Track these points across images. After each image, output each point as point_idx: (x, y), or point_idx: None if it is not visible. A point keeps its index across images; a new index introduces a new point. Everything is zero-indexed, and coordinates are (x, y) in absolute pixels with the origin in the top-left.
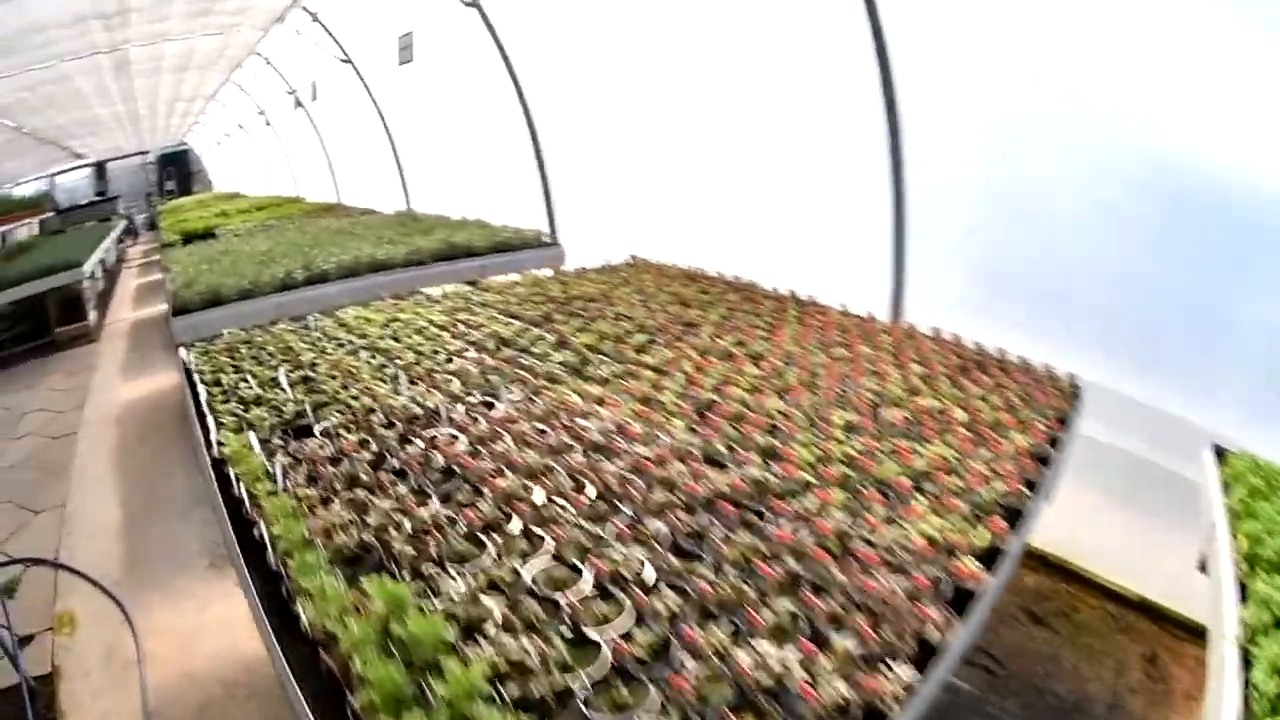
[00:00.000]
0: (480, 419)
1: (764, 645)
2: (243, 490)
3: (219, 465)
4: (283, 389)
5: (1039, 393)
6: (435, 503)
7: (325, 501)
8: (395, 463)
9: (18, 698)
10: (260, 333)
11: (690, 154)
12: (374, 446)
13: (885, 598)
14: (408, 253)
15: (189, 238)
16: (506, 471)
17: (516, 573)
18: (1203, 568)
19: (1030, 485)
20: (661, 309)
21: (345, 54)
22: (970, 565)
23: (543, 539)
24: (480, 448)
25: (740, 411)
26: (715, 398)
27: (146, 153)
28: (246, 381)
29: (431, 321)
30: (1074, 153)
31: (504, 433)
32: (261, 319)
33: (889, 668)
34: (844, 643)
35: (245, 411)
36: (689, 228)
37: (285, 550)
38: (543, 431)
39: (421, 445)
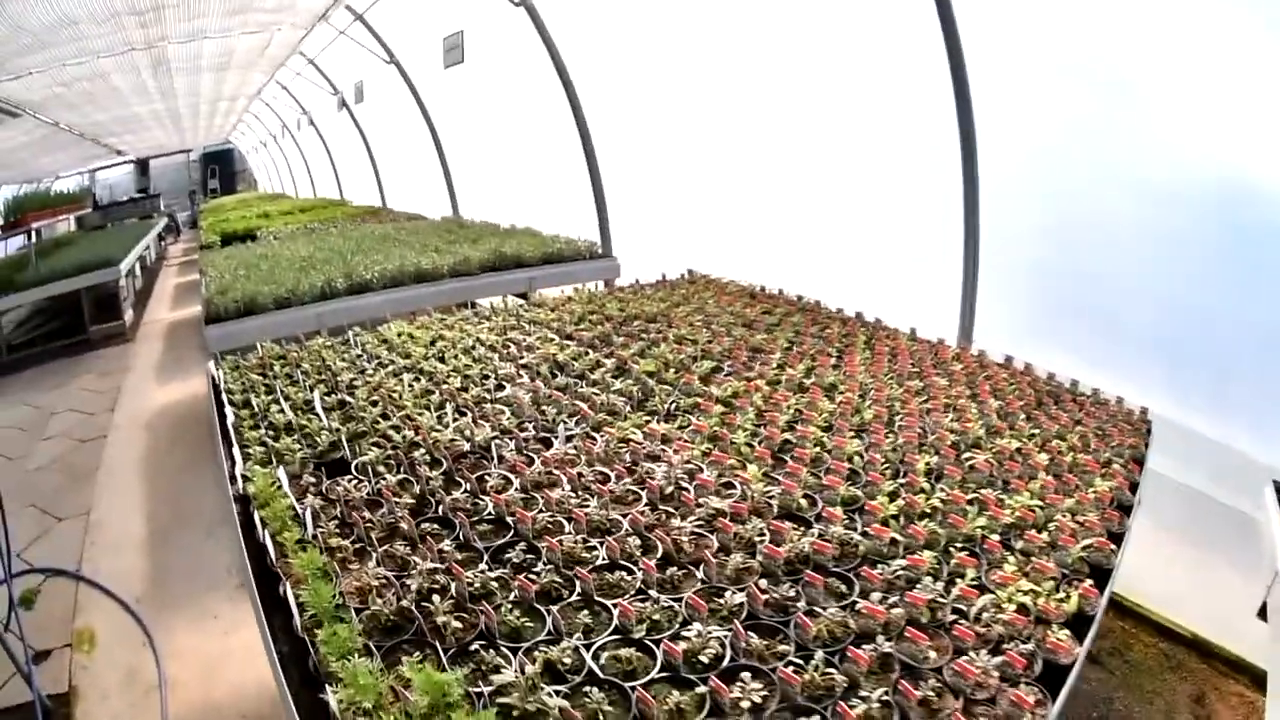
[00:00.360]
0: (535, 458)
1: None
2: (267, 537)
3: (244, 502)
4: (317, 415)
5: (1114, 429)
6: (486, 564)
7: (360, 554)
8: (440, 509)
9: (31, 716)
10: (296, 348)
11: (749, 164)
12: (416, 488)
13: (980, 681)
14: (455, 263)
15: (228, 239)
16: (565, 525)
17: (580, 654)
18: (1262, 614)
19: (1114, 538)
20: (725, 332)
21: (390, 55)
22: (1061, 638)
23: (608, 611)
24: (536, 495)
25: (818, 454)
26: (790, 438)
27: (189, 151)
28: (279, 404)
29: (480, 340)
30: (1139, 171)
31: (561, 476)
32: (300, 329)
33: None
34: None
35: (275, 440)
36: (745, 240)
37: (313, 617)
38: (604, 477)
39: (470, 489)
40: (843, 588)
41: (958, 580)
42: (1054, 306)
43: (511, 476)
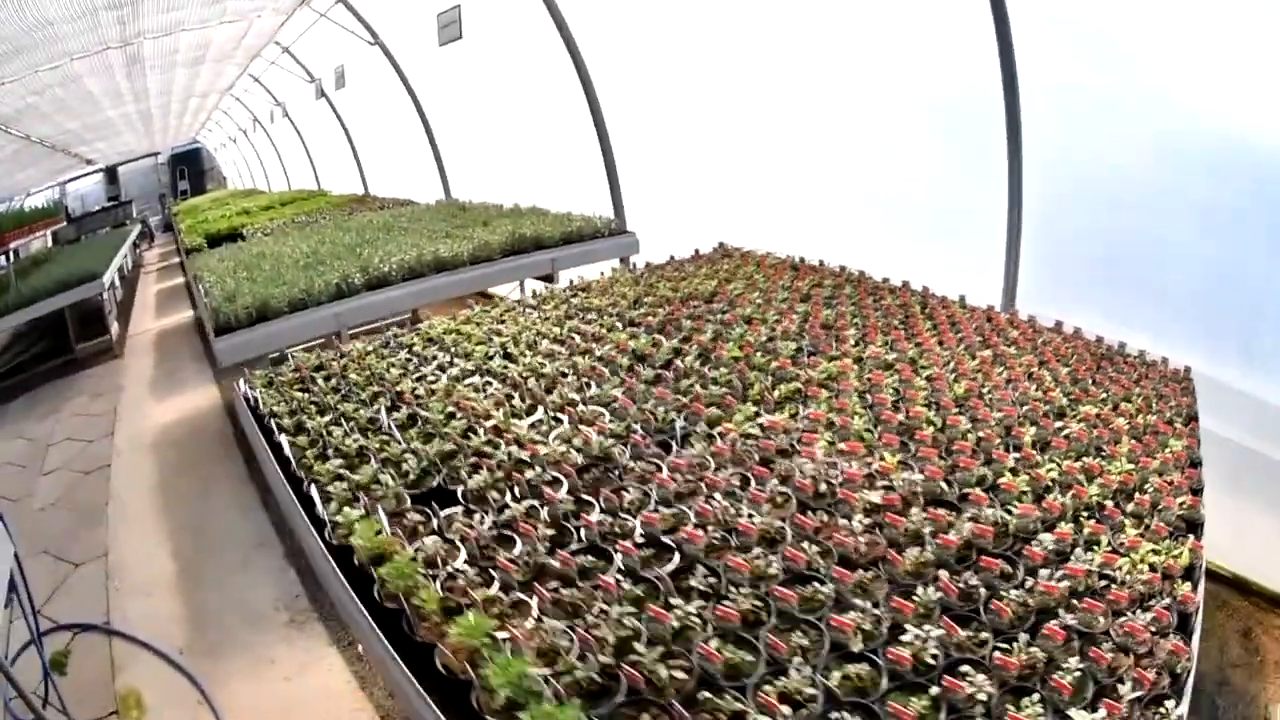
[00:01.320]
0: (661, 465)
1: (1080, 716)
2: (402, 600)
3: (343, 556)
4: (388, 434)
5: (1167, 389)
6: (673, 597)
7: (517, 605)
8: (582, 535)
9: None
10: (331, 354)
11: (758, 129)
12: (544, 514)
13: (1144, 639)
14: (474, 248)
15: (214, 240)
16: (730, 539)
17: (812, 682)
18: None
19: (1194, 492)
20: (789, 308)
21: (374, 36)
22: (1186, 590)
23: (815, 628)
24: (684, 508)
25: (937, 436)
26: (904, 419)
27: (158, 154)
28: (341, 426)
29: (542, 333)
30: (1171, 142)
31: (700, 485)
32: (318, 332)
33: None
34: (1128, 693)
35: (351, 470)
36: (755, 208)
37: (509, 700)
38: (744, 480)
39: (608, 510)
40: (1007, 567)
41: (1094, 547)
42: (1085, 269)
43: (646, 491)
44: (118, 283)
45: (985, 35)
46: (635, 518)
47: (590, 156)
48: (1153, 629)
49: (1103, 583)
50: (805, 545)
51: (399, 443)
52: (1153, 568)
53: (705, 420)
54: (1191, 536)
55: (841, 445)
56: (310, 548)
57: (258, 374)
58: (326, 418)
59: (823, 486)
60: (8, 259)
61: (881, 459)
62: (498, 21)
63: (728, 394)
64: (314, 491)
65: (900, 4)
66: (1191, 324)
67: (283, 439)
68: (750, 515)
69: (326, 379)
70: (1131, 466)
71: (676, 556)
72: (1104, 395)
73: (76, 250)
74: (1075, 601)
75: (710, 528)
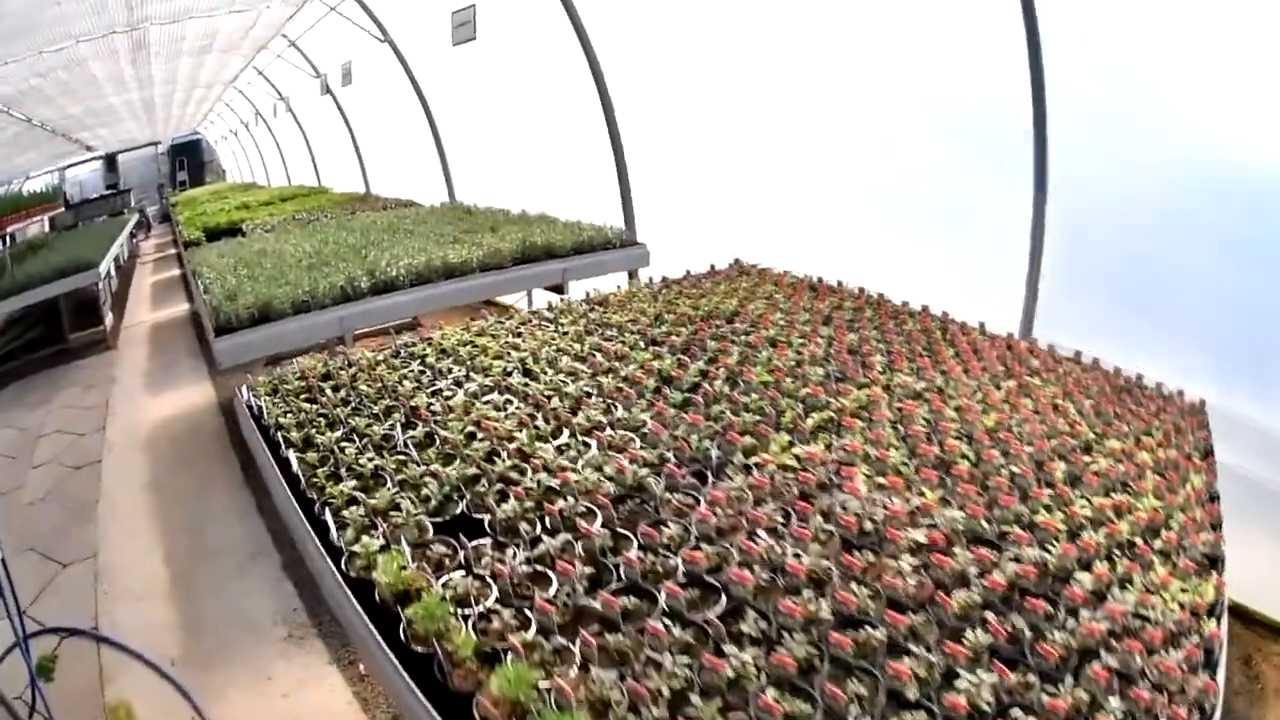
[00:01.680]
0: (698, 497)
1: None
2: (433, 644)
3: (362, 591)
4: (405, 453)
5: (1185, 422)
6: (725, 643)
7: (560, 653)
8: (622, 575)
9: None
10: (339, 362)
11: (773, 142)
12: (579, 548)
13: (1177, 678)
14: (484, 255)
15: (212, 234)
16: (777, 579)
17: None
18: None
19: (1214, 527)
20: (813, 330)
21: (384, 33)
22: (1213, 627)
23: (870, 675)
24: (727, 546)
25: (973, 471)
26: (939, 452)
27: (158, 143)
28: (352, 441)
29: (562, 349)
30: (1185, 168)
31: (740, 520)
32: (321, 336)
33: None
34: None
35: (367, 493)
36: (769, 219)
37: None
38: (786, 516)
39: (647, 547)
40: (1049, 608)
41: (1128, 585)
42: (1099, 295)
43: (685, 526)
44: (114, 272)
45: (1011, 52)
46: (676, 555)
47: (598, 165)
48: (1184, 666)
49: (1138, 621)
50: (854, 586)
51: (417, 464)
52: (1181, 605)
53: (740, 449)
54: (1214, 572)
55: (881, 479)
56: (327, 583)
57: (261, 380)
58: (337, 433)
59: (867, 524)
60: (2, 244)
61: (921, 494)
62: (513, 23)
63: (761, 422)
64: (328, 515)
65: (920, 16)
66: (1206, 351)
67: (291, 455)
68: (797, 554)
69: (335, 389)
70: (1158, 503)
71: (724, 598)
72: (1126, 428)
73: (73, 237)
74: (1114, 641)
75: (756, 567)
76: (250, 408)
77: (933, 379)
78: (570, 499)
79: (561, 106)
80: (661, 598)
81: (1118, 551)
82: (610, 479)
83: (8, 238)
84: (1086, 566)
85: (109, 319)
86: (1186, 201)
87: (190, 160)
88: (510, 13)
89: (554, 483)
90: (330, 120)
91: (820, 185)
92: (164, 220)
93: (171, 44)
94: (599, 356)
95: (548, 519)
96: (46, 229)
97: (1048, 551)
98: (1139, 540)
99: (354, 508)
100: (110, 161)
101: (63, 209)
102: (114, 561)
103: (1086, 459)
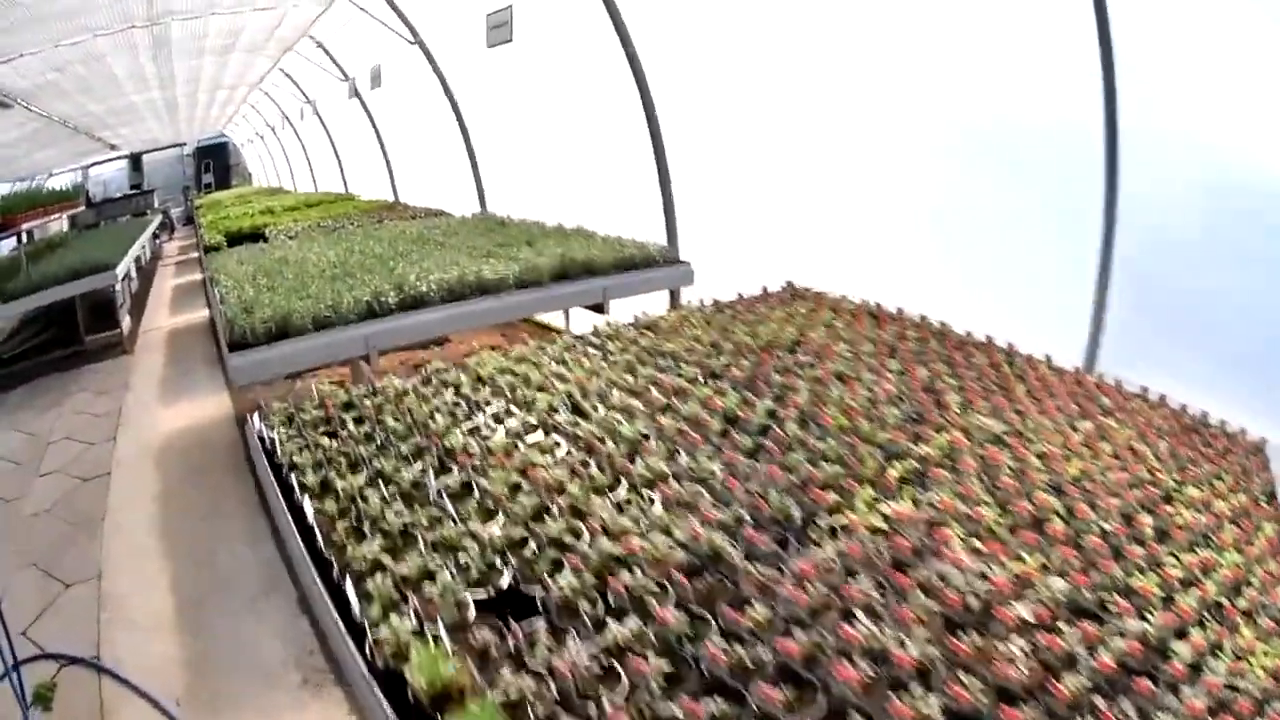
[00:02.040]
0: (782, 570)
1: None
2: None
3: (390, 684)
4: (439, 505)
5: (1249, 463)
6: None
7: None
8: (703, 669)
9: None
10: (362, 389)
11: (829, 163)
12: (651, 635)
13: None
14: (521, 270)
15: (234, 239)
16: (878, 670)
17: None
18: None
19: None
20: (880, 364)
21: (415, 35)
22: None
23: None
24: (820, 634)
25: (1066, 531)
26: (1031, 508)
27: (183, 144)
28: (377, 488)
29: (613, 381)
30: (1234, 195)
31: (832, 597)
32: (343, 354)
33: None
34: None
35: (394, 555)
36: (818, 243)
37: None
38: (882, 590)
39: (729, 633)
40: (1151, 686)
41: (1219, 652)
42: (1162, 326)
43: (770, 604)
44: (134, 274)
45: (1081, 72)
46: (764, 643)
47: (637, 177)
48: None
49: (1229, 693)
50: (963, 676)
51: (454, 519)
52: (1265, 670)
53: (819, 510)
54: None
55: (976, 541)
56: (351, 671)
57: (276, 406)
58: (360, 477)
59: (970, 599)
60: (19, 241)
61: (1019, 558)
62: (550, 26)
63: (845, 474)
64: (348, 584)
65: (985, 36)
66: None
67: (305, 502)
68: (901, 641)
69: (358, 421)
70: (1239, 558)
71: (822, 698)
72: (1199, 472)
73: (93, 237)
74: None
75: (860, 661)
76: (263, 440)
77: (1011, 421)
78: (636, 570)
79: (600, 115)
80: (752, 700)
81: (1207, 615)
82: (680, 545)
83: (24, 235)
84: (1181, 635)
85: (126, 322)
86: (1234, 228)
87: (216, 163)
88: (548, 15)
89: (616, 550)
90: (358, 125)
91: (871, 204)
92: (188, 222)
93: (194, 41)
94: (654, 391)
95: (611, 596)
96: (66, 227)
97: (1147, 621)
98: (1224, 600)
99: (380, 575)
100: (135, 161)
101: (84, 207)
102: (119, 588)
103: (1169, 509)
